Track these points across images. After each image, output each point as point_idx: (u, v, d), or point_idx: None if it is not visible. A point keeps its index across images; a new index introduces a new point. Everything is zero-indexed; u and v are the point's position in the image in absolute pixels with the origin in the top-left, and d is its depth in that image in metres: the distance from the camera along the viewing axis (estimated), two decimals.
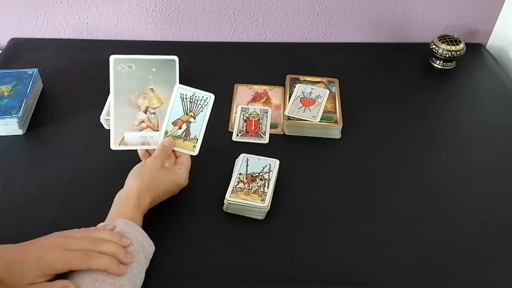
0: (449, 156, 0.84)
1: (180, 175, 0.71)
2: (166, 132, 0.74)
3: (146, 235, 0.64)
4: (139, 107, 0.75)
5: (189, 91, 0.74)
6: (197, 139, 0.74)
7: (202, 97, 0.74)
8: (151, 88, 0.75)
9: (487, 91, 1.00)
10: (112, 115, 0.74)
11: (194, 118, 0.74)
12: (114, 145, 0.74)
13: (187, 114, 0.74)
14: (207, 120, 0.74)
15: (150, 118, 0.75)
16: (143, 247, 0.62)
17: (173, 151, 0.74)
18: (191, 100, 0.74)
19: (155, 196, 0.68)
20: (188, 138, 0.74)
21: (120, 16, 1.08)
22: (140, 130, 0.74)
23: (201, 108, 0.74)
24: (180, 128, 0.74)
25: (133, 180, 0.67)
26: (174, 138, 0.74)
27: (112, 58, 0.74)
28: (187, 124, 0.74)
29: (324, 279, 0.65)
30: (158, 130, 0.74)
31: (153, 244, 0.64)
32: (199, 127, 0.74)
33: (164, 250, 0.66)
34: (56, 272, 0.56)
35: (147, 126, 0.74)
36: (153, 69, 0.76)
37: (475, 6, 1.09)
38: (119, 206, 0.65)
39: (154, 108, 0.75)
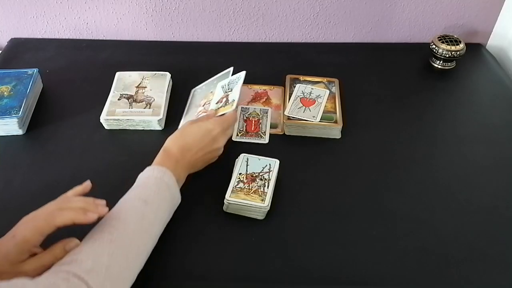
0: (449, 156, 0.84)
1: (209, 123, 0.75)
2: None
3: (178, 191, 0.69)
4: (200, 105, 0.89)
5: (226, 80, 0.88)
6: (234, 100, 0.81)
7: (236, 77, 0.86)
8: (212, 92, 0.89)
9: (487, 91, 1.00)
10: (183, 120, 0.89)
11: (231, 90, 0.84)
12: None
13: (226, 92, 0.85)
14: (241, 84, 0.83)
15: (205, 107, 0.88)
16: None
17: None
18: (228, 84, 0.86)
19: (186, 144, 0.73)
20: (227, 104, 0.82)
21: (120, 16, 1.08)
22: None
23: (236, 83, 0.85)
24: (221, 102, 0.83)
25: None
26: (217, 109, 0.82)
27: (193, 90, 0.95)
28: (226, 97, 0.83)
29: (324, 279, 0.65)
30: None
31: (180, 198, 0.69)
32: (235, 94, 0.82)
33: (164, 250, 0.66)
34: (30, 243, 0.56)
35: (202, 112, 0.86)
36: (215, 81, 0.91)
37: (475, 6, 1.09)
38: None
39: (209, 101, 0.88)
